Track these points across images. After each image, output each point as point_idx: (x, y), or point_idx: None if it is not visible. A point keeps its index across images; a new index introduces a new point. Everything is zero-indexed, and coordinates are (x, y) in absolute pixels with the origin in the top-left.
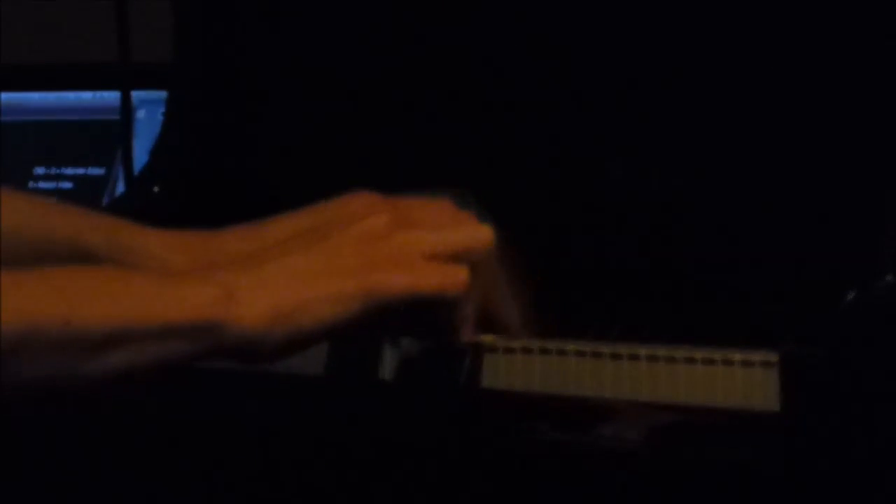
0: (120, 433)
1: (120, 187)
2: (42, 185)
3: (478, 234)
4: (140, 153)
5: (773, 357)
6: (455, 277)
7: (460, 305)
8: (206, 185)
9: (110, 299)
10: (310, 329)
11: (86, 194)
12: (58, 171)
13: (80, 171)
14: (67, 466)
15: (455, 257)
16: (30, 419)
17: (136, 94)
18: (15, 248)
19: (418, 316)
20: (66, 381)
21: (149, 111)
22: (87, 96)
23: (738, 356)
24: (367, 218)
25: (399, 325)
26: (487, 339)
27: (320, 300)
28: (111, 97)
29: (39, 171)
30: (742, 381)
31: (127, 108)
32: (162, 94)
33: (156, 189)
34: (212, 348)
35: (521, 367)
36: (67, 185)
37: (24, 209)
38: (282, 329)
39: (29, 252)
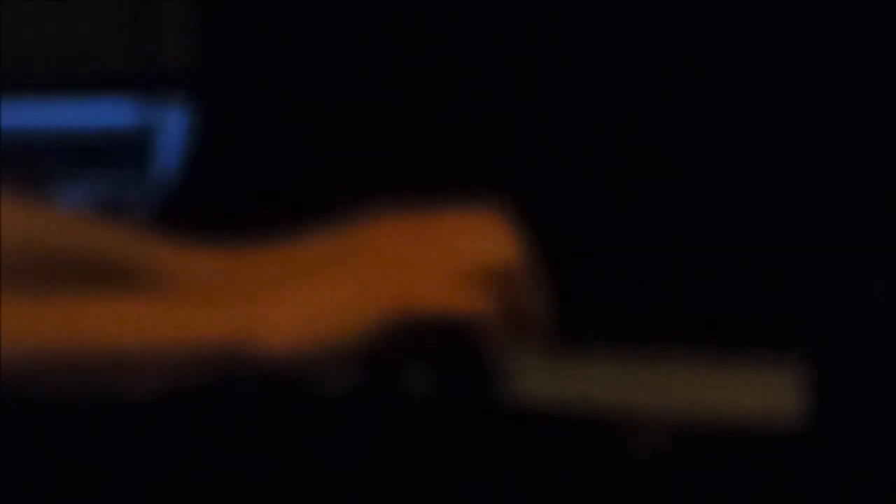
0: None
1: (146, 194)
2: (68, 191)
3: (503, 252)
4: (164, 162)
5: (801, 365)
6: (480, 302)
7: (485, 328)
8: (233, 192)
9: (130, 322)
10: (333, 351)
11: (111, 201)
12: (83, 179)
13: (104, 179)
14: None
15: (481, 278)
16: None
17: (162, 101)
18: (32, 260)
19: (444, 334)
20: (87, 402)
21: (172, 118)
22: (111, 104)
23: (766, 365)
24: (392, 238)
25: (426, 341)
26: (514, 346)
27: (342, 322)
28: (135, 104)
29: (65, 178)
30: (770, 390)
31: (153, 114)
32: (188, 101)
33: (183, 195)
34: (235, 372)
35: (549, 374)
36: (93, 192)
37: (41, 221)
38: (305, 352)
39: (47, 265)
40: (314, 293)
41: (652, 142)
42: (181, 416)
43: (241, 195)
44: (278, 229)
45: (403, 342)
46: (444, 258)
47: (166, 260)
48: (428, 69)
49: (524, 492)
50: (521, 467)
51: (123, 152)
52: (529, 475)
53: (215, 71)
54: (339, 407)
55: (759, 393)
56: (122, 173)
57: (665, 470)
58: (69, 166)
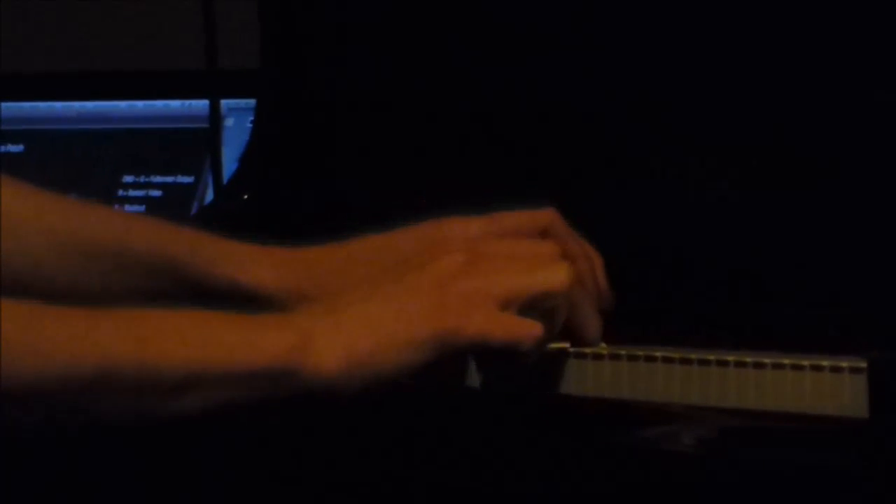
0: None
1: (209, 195)
2: (131, 193)
3: (555, 277)
4: (229, 161)
5: (862, 363)
6: (528, 330)
7: (532, 353)
8: (294, 193)
9: (186, 342)
10: (384, 374)
11: (174, 203)
12: (147, 180)
13: (169, 179)
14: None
15: (532, 302)
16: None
17: (224, 102)
18: (97, 260)
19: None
20: (141, 419)
21: (238, 119)
22: (175, 104)
23: (826, 362)
24: (443, 258)
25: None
26: (569, 348)
27: (394, 346)
28: (200, 105)
29: (128, 179)
30: (831, 387)
31: (216, 116)
32: (251, 102)
33: (245, 197)
34: (288, 393)
35: (610, 373)
36: (156, 193)
37: (106, 222)
38: (357, 375)
39: (111, 265)
40: (363, 316)
41: (727, 142)
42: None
43: (305, 194)
44: (339, 232)
45: (452, 361)
46: (491, 283)
47: (228, 254)
48: (481, 79)
49: (584, 485)
50: (580, 460)
51: (191, 152)
52: (587, 468)
53: (281, 73)
54: (402, 394)
55: (828, 392)
56: (190, 173)
57: (726, 467)
58: (137, 166)
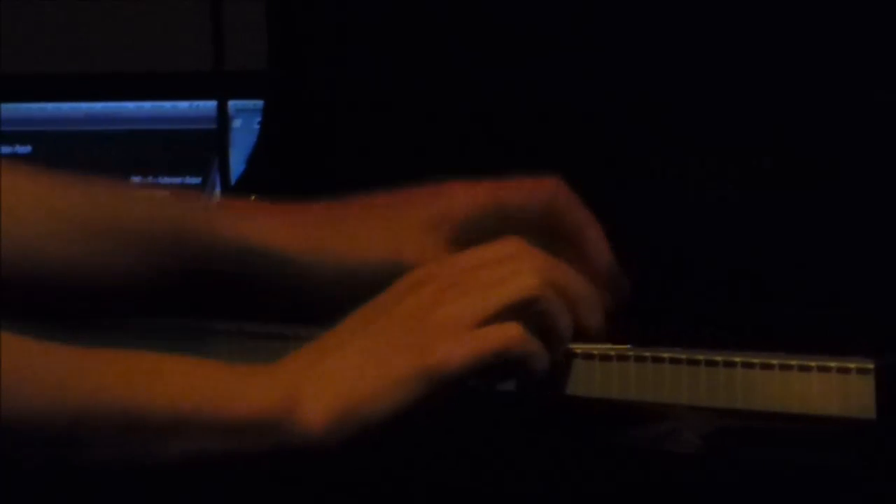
0: None
1: (217, 196)
2: None
3: (523, 285)
4: (236, 162)
5: (870, 364)
6: (508, 334)
7: (529, 355)
8: (302, 194)
9: (174, 387)
10: (374, 422)
11: None
12: (154, 181)
13: (177, 180)
14: None
15: (514, 314)
16: None
17: (232, 104)
18: (97, 238)
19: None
20: (126, 464)
21: (245, 120)
22: (183, 105)
23: (833, 363)
24: (411, 295)
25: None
26: (578, 348)
27: (381, 392)
28: (207, 106)
29: (136, 179)
30: (838, 388)
31: (223, 116)
32: (258, 103)
33: (253, 198)
34: (275, 448)
35: (617, 374)
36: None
37: (107, 195)
38: (347, 427)
39: (112, 243)
40: (347, 363)
41: (734, 133)
42: None
43: (314, 194)
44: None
45: (448, 393)
46: (462, 306)
47: (247, 217)
48: (488, 82)
49: (594, 487)
50: (587, 462)
51: (199, 153)
52: (581, 462)
53: (288, 74)
54: None
55: (835, 393)
56: (197, 174)
57: (733, 468)
58: (144, 167)
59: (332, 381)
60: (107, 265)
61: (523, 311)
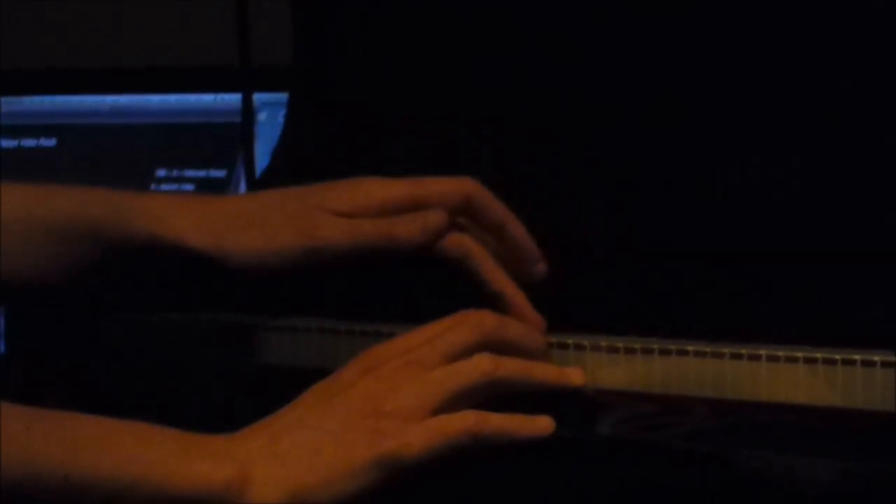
0: None
1: (242, 189)
2: (164, 187)
3: (475, 369)
4: (262, 155)
5: (894, 357)
6: (467, 423)
7: (494, 433)
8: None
9: (119, 455)
10: (332, 498)
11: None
12: (179, 174)
13: (202, 173)
14: None
15: (465, 396)
16: None
17: (257, 97)
18: (24, 234)
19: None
20: None
21: (270, 113)
22: (208, 98)
23: (858, 356)
24: (368, 375)
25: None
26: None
27: (335, 477)
28: (233, 99)
29: (161, 173)
30: (863, 381)
31: (248, 110)
32: (283, 97)
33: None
34: None
35: (642, 368)
36: (189, 187)
37: (24, 196)
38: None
39: (41, 236)
40: (302, 444)
41: (768, 133)
42: None
43: None
44: None
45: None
46: (421, 397)
47: (147, 206)
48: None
49: (614, 482)
50: (611, 456)
51: (224, 146)
52: (619, 465)
53: (313, 67)
54: None
55: (860, 386)
56: (222, 167)
57: (757, 460)
58: (169, 160)
59: (286, 462)
60: (39, 265)
61: (479, 392)
